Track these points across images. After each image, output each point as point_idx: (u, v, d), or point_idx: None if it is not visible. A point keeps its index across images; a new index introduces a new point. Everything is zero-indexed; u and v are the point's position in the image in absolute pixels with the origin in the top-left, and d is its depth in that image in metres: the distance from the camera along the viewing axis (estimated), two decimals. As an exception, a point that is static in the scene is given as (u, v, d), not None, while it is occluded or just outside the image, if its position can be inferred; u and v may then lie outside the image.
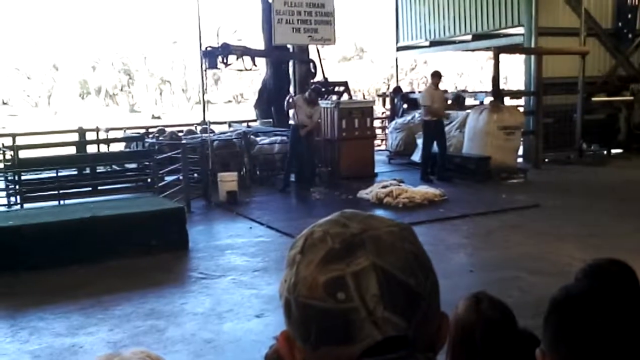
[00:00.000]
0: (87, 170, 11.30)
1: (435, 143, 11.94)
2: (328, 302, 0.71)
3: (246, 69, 12.02)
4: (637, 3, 15.78)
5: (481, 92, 15.39)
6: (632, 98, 15.15)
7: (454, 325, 1.90)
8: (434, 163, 12.12)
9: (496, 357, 1.86)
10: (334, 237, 0.75)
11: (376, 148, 14.62)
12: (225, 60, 11.35)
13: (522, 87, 14.97)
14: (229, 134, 13.24)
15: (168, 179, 10.69)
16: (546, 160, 13.72)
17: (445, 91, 12.30)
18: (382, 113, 18.51)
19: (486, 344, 1.86)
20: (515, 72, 24.68)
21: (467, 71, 36.75)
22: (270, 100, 14.48)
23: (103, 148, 13.52)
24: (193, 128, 14.78)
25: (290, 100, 11.13)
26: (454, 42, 17.89)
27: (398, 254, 0.74)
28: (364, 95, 30.30)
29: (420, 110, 12.67)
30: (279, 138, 12.53)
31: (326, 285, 0.72)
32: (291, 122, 11.26)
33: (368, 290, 0.71)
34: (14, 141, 12.37)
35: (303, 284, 0.73)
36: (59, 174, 10.21)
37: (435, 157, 12.08)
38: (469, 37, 16.92)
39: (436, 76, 12.13)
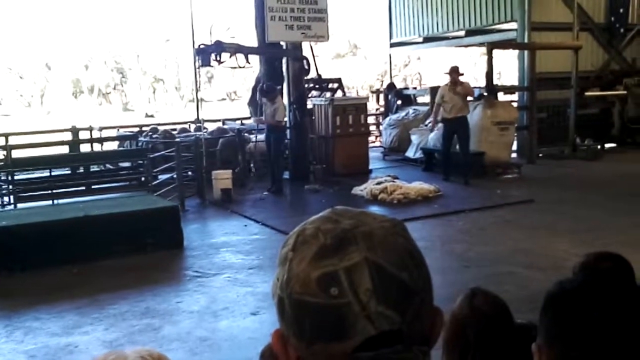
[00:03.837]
0: (81, 170, 11.26)
1: (452, 141, 11.36)
2: (321, 298, 0.71)
3: (239, 67, 11.96)
4: (629, -3, 15.82)
5: (475, 87, 15.39)
6: (625, 92, 15.20)
7: (448, 320, 1.90)
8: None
9: (490, 352, 1.86)
10: (326, 233, 0.74)
11: (370, 144, 14.63)
12: (218, 58, 11.31)
13: (515, 83, 14.99)
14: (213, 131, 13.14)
15: (162, 177, 10.67)
16: (540, 155, 13.75)
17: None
18: (376, 109, 18.52)
19: (479, 339, 1.86)
20: (508, 67, 24.71)
21: (461, 67, 36.80)
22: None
23: (96, 147, 13.48)
24: (187, 126, 14.75)
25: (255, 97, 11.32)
26: (447, 38, 17.92)
27: (390, 249, 0.73)
28: (357, 92, 30.29)
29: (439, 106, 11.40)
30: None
31: (319, 281, 0.71)
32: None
33: (361, 284, 0.70)
34: (6, 141, 12.35)
35: (296, 280, 0.73)
36: (53, 173, 10.17)
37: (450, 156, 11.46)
38: (462, 32, 16.96)
39: (455, 72, 11.35)
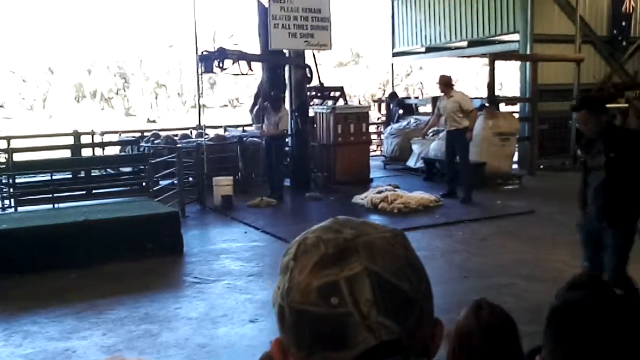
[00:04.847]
0: (82, 174, 11.26)
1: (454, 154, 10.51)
2: (322, 307, 0.71)
3: (242, 74, 12.00)
4: (631, 11, 15.88)
5: (476, 98, 15.42)
6: (626, 105, 15.20)
7: (454, 331, 1.90)
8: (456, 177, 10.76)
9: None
10: (327, 242, 0.75)
11: (371, 153, 14.63)
12: (221, 65, 11.33)
13: (517, 94, 15.01)
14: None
15: (163, 183, 10.68)
16: (541, 166, 13.74)
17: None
18: (378, 118, 18.55)
19: (485, 350, 1.86)
20: (510, 78, 24.75)
21: (463, 77, 36.82)
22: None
23: (98, 151, 13.49)
24: (188, 132, 14.76)
25: (258, 107, 11.36)
26: (449, 49, 17.96)
27: (391, 259, 0.74)
28: (359, 101, 30.33)
29: (449, 117, 10.24)
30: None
31: (320, 291, 0.72)
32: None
33: (361, 295, 0.71)
34: (8, 144, 12.33)
35: (296, 289, 0.73)
36: (54, 177, 10.19)
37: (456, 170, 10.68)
38: (465, 43, 17.00)
39: (443, 83, 10.40)
